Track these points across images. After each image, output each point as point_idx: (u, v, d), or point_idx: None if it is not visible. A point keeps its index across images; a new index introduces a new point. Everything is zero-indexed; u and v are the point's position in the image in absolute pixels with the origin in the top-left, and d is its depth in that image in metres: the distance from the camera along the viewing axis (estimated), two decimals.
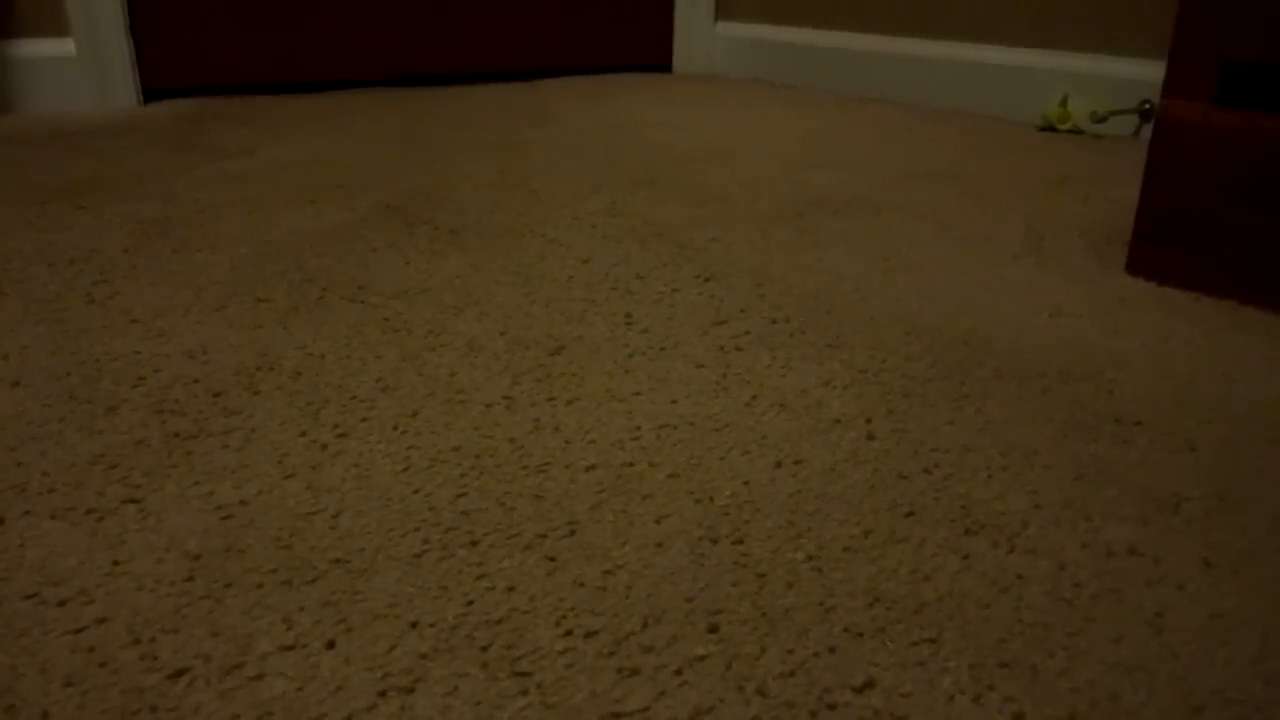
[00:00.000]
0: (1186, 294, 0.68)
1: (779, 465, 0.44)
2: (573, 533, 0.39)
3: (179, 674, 0.32)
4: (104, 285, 0.68)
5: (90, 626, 0.34)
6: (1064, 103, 1.31)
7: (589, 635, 0.33)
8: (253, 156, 1.11)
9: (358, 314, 0.63)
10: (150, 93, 1.48)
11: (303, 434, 0.47)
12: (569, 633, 0.33)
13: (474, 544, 0.38)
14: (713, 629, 0.33)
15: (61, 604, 0.35)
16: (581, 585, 0.36)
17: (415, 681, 0.31)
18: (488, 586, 0.36)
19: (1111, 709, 0.27)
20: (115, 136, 1.22)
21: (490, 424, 0.46)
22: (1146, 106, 1.25)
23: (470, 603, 0.35)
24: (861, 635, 0.33)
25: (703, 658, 0.32)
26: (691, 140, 1.22)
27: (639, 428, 0.48)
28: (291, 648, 0.33)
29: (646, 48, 1.89)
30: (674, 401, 0.51)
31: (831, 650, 0.32)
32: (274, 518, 0.40)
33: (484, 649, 0.33)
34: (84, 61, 1.42)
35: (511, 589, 0.36)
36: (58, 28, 1.41)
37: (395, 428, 0.48)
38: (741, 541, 0.38)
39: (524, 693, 0.31)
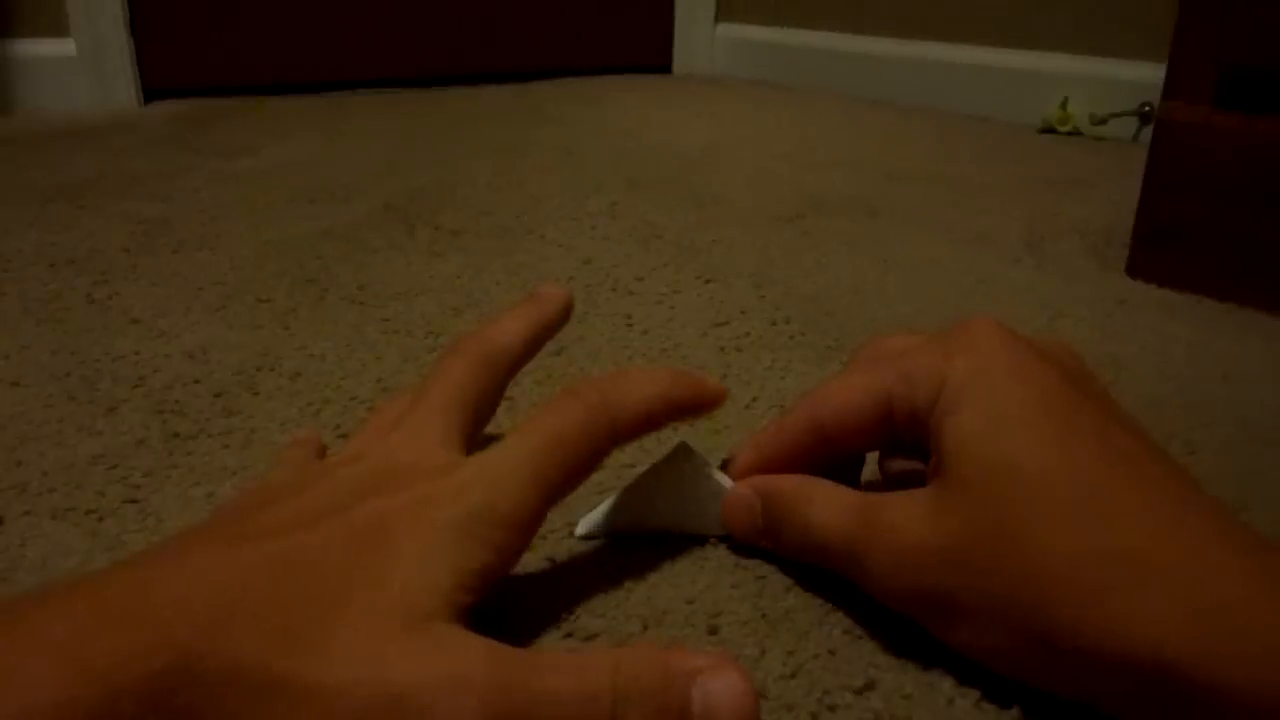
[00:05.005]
0: (1187, 296, 0.68)
1: None
2: (572, 534, 0.39)
3: None
4: (104, 285, 0.68)
5: None
6: (1064, 105, 1.31)
7: (589, 638, 0.33)
8: (253, 156, 1.11)
9: (358, 314, 0.63)
10: (150, 93, 1.48)
11: None
12: (569, 635, 0.33)
13: None
14: (713, 631, 0.33)
15: None
16: (581, 587, 0.36)
17: None
18: None
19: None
20: (115, 136, 1.22)
21: (491, 425, 0.46)
22: (1146, 109, 1.25)
23: None
24: (861, 637, 0.33)
25: None
26: (692, 141, 1.22)
27: None
28: None
29: (646, 49, 1.89)
30: None
31: (832, 652, 0.32)
32: None
33: None
34: (84, 61, 1.42)
35: None
36: (58, 28, 1.41)
37: None
38: (741, 543, 0.38)
39: None
